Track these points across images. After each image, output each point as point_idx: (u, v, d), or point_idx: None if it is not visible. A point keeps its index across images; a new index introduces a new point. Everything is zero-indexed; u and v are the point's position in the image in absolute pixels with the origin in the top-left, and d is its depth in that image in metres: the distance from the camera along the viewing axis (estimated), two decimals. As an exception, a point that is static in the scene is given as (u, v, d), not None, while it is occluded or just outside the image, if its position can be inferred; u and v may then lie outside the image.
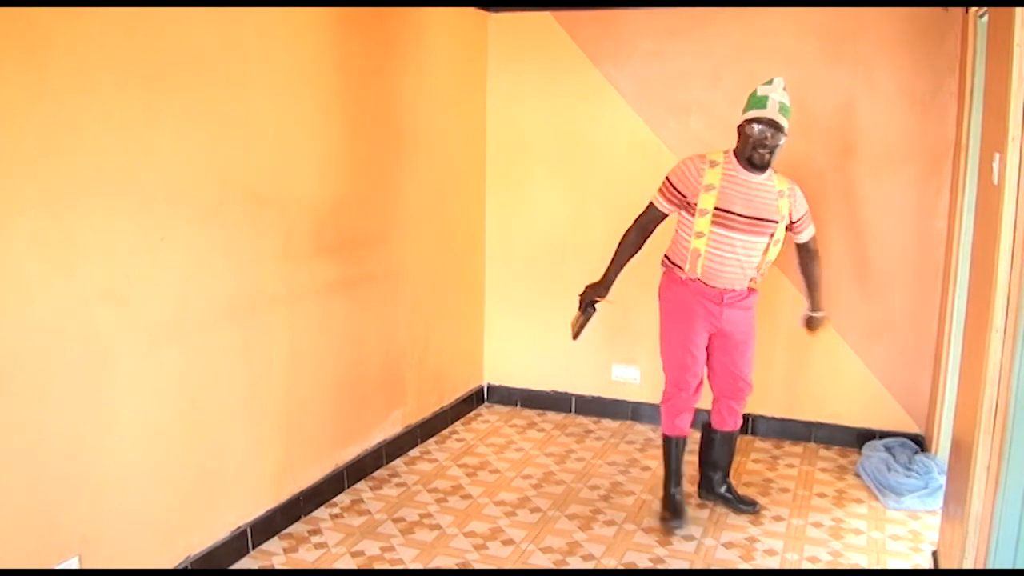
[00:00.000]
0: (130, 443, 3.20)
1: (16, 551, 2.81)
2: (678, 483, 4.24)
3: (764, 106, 3.87)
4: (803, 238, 4.20)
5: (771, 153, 3.91)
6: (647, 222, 4.15)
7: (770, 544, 4.01)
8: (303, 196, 4.01)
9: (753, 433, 5.39)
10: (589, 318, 4.19)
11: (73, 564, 3.00)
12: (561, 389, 5.80)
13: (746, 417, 5.36)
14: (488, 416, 5.76)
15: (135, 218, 3.13)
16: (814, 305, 4.35)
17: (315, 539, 3.99)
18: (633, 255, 4.17)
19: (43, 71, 2.73)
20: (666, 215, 4.12)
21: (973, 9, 4.28)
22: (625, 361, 5.49)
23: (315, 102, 4.04)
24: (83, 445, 3.01)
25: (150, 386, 3.27)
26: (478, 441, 5.28)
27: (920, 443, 4.96)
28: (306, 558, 3.83)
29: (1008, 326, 2.83)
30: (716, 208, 3.92)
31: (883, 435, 5.08)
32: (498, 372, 5.99)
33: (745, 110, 3.95)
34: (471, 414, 5.79)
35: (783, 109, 3.89)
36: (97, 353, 3.03)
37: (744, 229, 3.94)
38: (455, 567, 3.78)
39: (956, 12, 4.64)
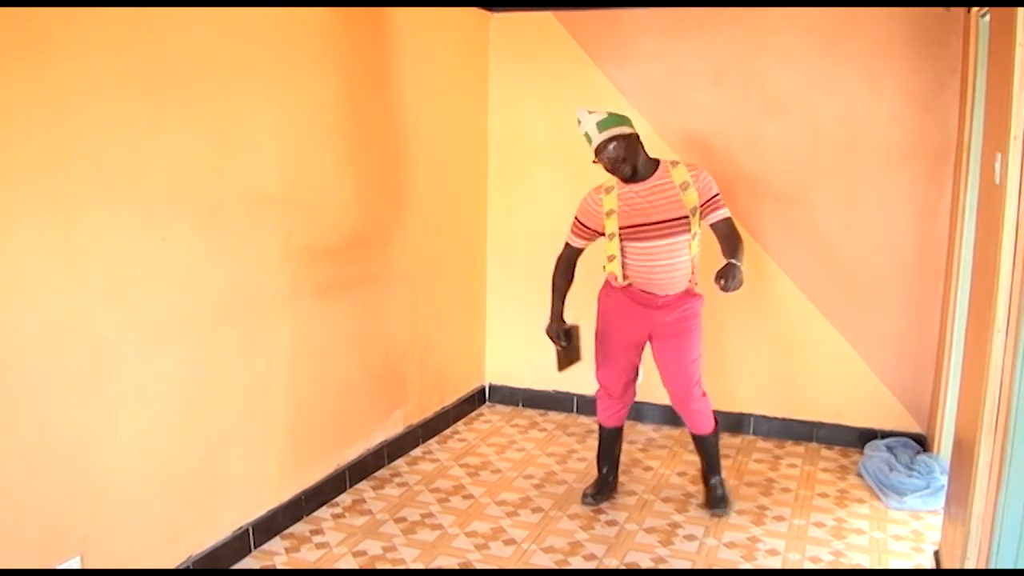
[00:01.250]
0: (132, 443, 3.21)
1: (18, 550, 2.82)
2: (604, 465, 4.52)
3: (591, 139, 4.01)
4: (713, 218, 4.04)
5: (628, 161, 3.98)
6: (567, 260, 4.34)
7: (772, 544, 4.01)
8: (304, 196, 4.01)
9: (755, 433, 5.39)
10: (571, 346, 4.33)
11: (75, 564, 3.00)
12: (563, 389, 5.79)
13: (747, 417, 5.37)
14: (490, 416, 5.76)
15: (137, 218, 3.13)
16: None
17: (317, 539, 3.99)
18: (568, 287, 4.34)
19: (44, 72, 2.74)
20: (582, 249, 4.28)
21: (975, 9, 4.27)
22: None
23: (316, 102, 4.04)
24: (85, 445, 3.01)
25: (152, 386, 3.27)
26: (480, 441, 5.28)
27: (922, 443, 4.96)
28: (308, 558, 3.83)
29: (1010, 326, 2.82)
30: (620, 228, 4.06)
31: (885, 435, 5.08)
32: (500, 372, 5.98)
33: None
34: (473, 414, 5.79)
35: (603, 122, 3.98)
36: (99, 353, 3.03)
37: (659, 235, 4.02)
38: (457, 567, 3.78)
39: (958, 12, 4.63)
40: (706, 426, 4.32)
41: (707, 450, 4.37)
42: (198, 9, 3.29)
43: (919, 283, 4.94)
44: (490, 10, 5.56)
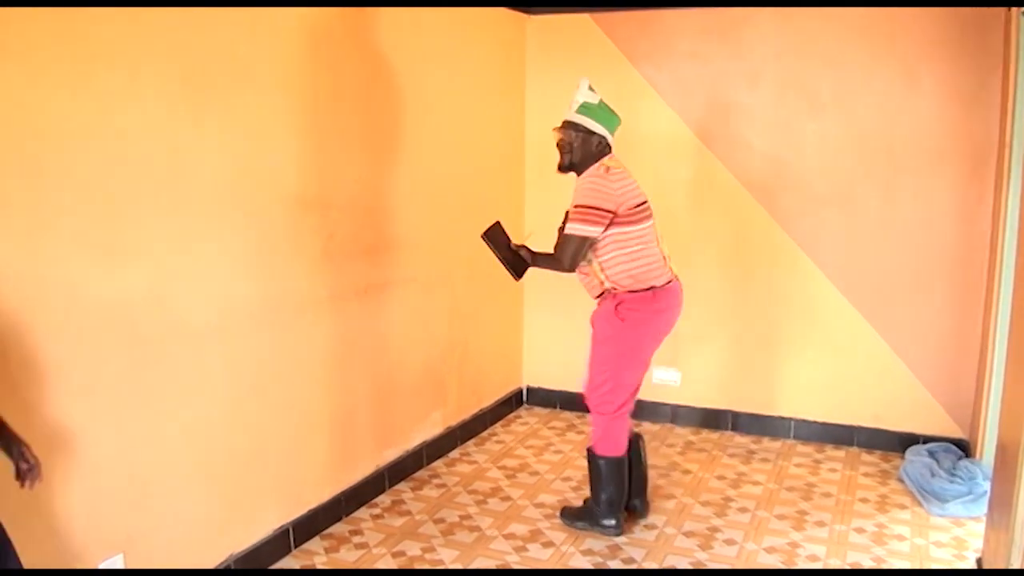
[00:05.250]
0: (174, 442, 3.25)
1: (62, 548, 2.87)
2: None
3: (568, 109, 3.93)
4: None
5: (568, 154, 3.92)
6: None
7: (812, 550, 3.98)
8: (343, 199, 4.03)
9: (795, 437, 5.35)
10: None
11: (117, 561, 3.04)
12: (600, 391, 5.77)
13: (787, 421, 5.34)
14: (527, 418, 5.77)
15: (179, 220, 3.17)
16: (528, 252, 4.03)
17: (356, 539, 4.02)
18: None
19: (87, 75, 2.79)
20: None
21: (1015, 8, 4.22)
22: (666, 364, 5.46)
23: (354, 105, 4.06)
24: (128, 444, 3.06)
25: (194, 386, 3.31)
26: (517, 443, 5.29)
27: (964, 448, 4.90)
28: (347, 558, 3.85)
29: (1056, 330, 2.79)
30: None
31: (926, 440, 5.03)
32: (537, 374, 5.99)
33: None
34: (510, 416, 5.80)
35: (583, 107, 3.90)
36: (142, 353, 3.07)
37: None
38: (495, 568, 3.78)
39: (998, 11, 4.57)
40: (592, 440, 4.12)
41: (587, 463, 4.16)
42: (238, 13, 3.33)
43: (961, 285, 4.89)
44: (527, 12, 5.56)
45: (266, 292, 3.63)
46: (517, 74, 5.62)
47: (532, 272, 5.77)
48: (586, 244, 3.83)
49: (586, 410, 5.70)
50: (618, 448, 4.06)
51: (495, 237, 4.02)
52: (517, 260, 4.04)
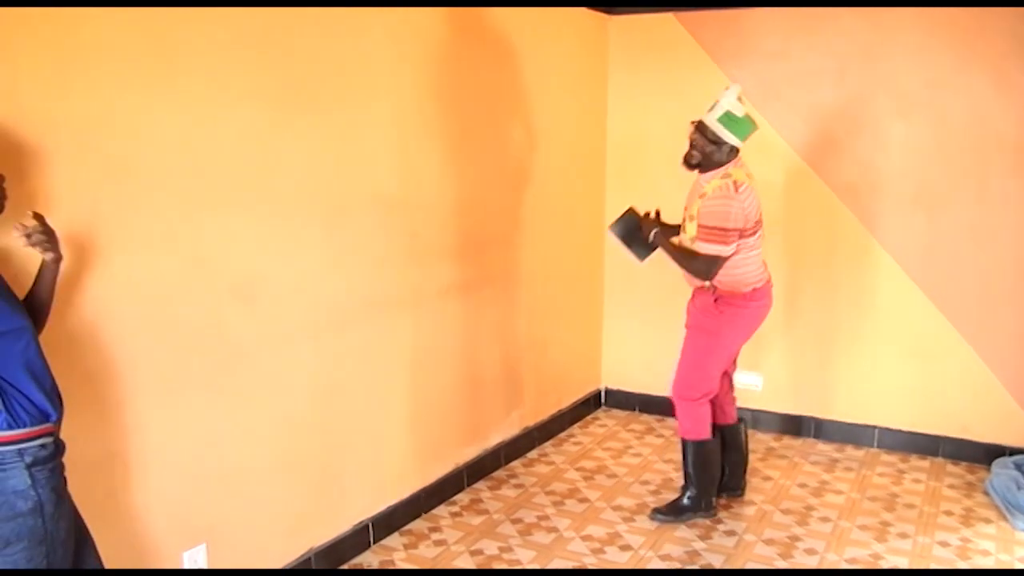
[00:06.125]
0: (259, 437, 3.32)
1: (149, 536, 2.96)
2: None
3: (708, 111, 3.95)
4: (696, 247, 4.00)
5: (699, 152, 3.95)
6: None
7: (895, 561, 3.90)
8: (426, 199, 4.07)
9: (879, 446, 5.25)
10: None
11: (200, 551, 3.13)
12: (679, 395, 5.73)
13: (871, 429, 5.24)
14: (605, 420, 5.75)
15: (266, 221, 3.24)
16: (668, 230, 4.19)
17: (435, 536, 4.06)
18: None
19: (178, 79, 2.86)
20: None
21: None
22: (748, 368, 5.38)
23: (437, 106, 4.09)
24: (215, 439, 3.14)
25: (279, 383, 3.38)
26: (595, 445, 5.28)
27: (1055, 462, 4.77)
28: (426, 555, 3.89)
29: None
30: None
31: (1013, 452, 4.89)
32: (616, 376, 5.97)
33: None
34: (588, 417, 5.79)
35: (724, 116, 3.89)
36: (230, 351, 3.15)
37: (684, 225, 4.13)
38: (573, 568, 3.79)
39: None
40: (680, 429, 4.28)
41: (682, 452, 4.32)
42: (326, 15, 3.39)
43: (1055, 293, 4.75)
44: (608, 12, 5.55)
45: (350, 291, 3.68)
46: (599, 75, 5.61)
47: (612, 273, 5.79)
48: (721, 260, 3.93)
49: (665, 414, 5.72)
50: (703, 431, 4.20)
51: (627, 226, 4.21)
52: (642, 244, 4.20)
